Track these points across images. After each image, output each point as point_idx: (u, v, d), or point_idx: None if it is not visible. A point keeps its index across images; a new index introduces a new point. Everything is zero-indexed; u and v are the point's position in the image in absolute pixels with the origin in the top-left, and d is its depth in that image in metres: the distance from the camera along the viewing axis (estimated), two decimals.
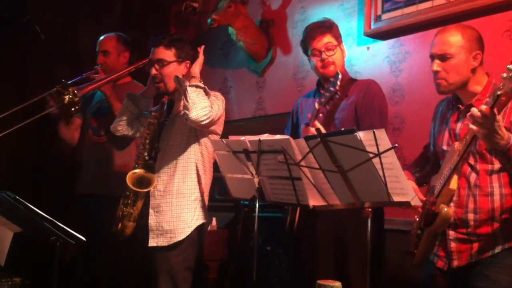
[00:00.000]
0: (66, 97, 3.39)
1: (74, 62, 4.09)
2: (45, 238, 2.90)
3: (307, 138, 2.31)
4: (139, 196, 3.00)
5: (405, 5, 3.65)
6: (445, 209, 2.34)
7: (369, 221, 2.27)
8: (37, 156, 4.48)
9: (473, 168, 2.39)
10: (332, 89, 2.78)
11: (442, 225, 2.37)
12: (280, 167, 2.48)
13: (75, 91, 3.39)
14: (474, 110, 2.05)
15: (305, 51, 3.11)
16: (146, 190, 2.99)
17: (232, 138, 2.67)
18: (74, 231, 2.81)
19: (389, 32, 3.74)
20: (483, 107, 2.02)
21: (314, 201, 2.44)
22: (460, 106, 2.47)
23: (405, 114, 3.66)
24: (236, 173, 2.69)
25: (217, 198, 4.13)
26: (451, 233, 2.40)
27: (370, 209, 2.26)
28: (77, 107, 3.45)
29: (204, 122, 2.87)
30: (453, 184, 2.35)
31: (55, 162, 4.49)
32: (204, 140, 3.07)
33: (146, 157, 3.08)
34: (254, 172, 2.60)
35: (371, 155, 2.11)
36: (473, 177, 2.38)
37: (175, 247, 2.96)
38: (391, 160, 2.10)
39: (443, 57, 2.41)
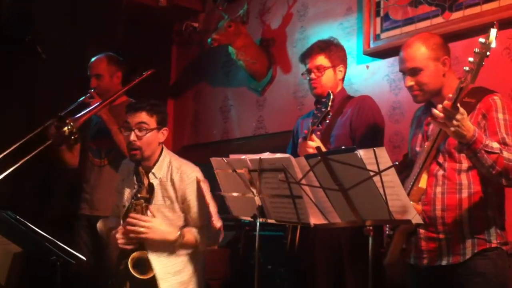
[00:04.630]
0: (66, 129, 3.41)
1: (81, 81, 4.11)
2: (46, 258, 2.90)
3: (308, 157, 2.31)
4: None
5: (403, 24, 3.68)
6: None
7: (370, 240, 2.27)
8: (41, 176, 4.49)
9: (441, 166, 2.42)
10: (323, 109, 2.83)
11: None
12: (281, 185, 2.48)
13: (72, 123, 3.41)
14: (438, 107, 2.14)
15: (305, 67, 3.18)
16: (149, 276, 2.85)
17: (232, 156, 2.67)
18: (77, 249, 2.81)
19: (389, 51, 3.76)
20: (445, 102, 2.11)
21: (315, 219, 2.44)
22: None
23: (405, 132, 3.66)
24: (236, 191, 2.69)
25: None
26: (422, 232, 2.43)
27: (371, 228, 2.26)
28: (76, 136, 3.47)
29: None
30: (423, 182, 2.40)
31: (59, 182, 4.50)
32: None
33: None
34: (255, 191, 2.60)
35: (371, 173, 2.11)
36: (441, 175, 2.41)
37: None
38: (391, 178, 2.10)
39: (414, 71, 2.48)
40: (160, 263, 2.87)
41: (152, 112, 2.91)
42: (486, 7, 3.27)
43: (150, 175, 2.95)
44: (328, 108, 2.80)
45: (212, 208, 2.91)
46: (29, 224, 2.83)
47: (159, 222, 2.87)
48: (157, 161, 2.96)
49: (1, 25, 4.38)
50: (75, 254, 2.87)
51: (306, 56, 3.13)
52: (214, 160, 2.79)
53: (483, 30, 3.24)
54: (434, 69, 2.46)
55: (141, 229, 2.80)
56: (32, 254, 3.44)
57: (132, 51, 4.59)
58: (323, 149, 2.79)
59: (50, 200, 4.50)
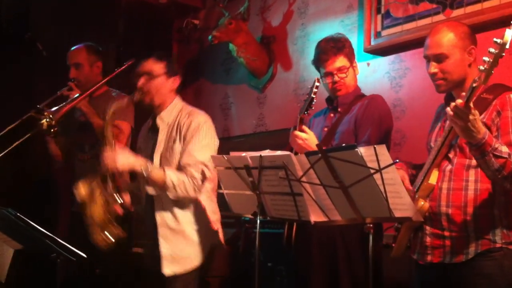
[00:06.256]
0: (44, 122, 3.32)
1: None
2: (46, 255, 2.90)
3: (308, 154, 2.31)
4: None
5: (404, 21, 3.68)
6: (421, 203, 2.34)
7: (371, 237, 2.27)
8: (40, 172, 4.50)
9: (450, 161, 2.39)
10: (306, 95, 2.85)
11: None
12: (281, 183, 2.48)
13: (51, 116, 3.33)
14: (451, 104, 2.07)
15: (317, 69, 3.13)
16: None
17: (233, 154, 2.67)
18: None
19: (389, 48, 3.77)
20: (459, 101, 2.05)
21: (316, 217, 2.43)
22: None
23: (405, 130, 3.67)
24: (237, 189, 2.69)
25: None
26: (428, 228, 2.41)
27: (371, 225, 2.25)
28: (55, 129, 3.38)
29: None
30: (433, 179, 2.37)
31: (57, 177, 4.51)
32: None
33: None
34: (255, 188, 2.60)
35: (372, 171, 2.10)
36: (448, 170, 2.38)
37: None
38: (392, 176, 2.09)
39: (439, 58, 2.40)
40: (163, 224, 2.96)
41: (161, 58, 3.00)
42: (487, 4, 3.27)
43: (158, 119, 3.02)
44: (312, 94, 2.81)
45: (201, 156, 2.89)
46: (30, 221, 2.82)
47: (127, 152, 2.95)
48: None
49: (1, 23, 4.39)
50: (75, 252, 2.86)
51: (324, 59, 3.02)
52: (214, 158, 2.79)
53: (488, 27, 3.26)
54: (460, 58, 2.38)
55: (108, 160, 2.86)
56: (32, 251, 3.43)
57: (132, 48, 4.58)
58: (313, 137, 2.84)
59: (49, 199, 4.51)
